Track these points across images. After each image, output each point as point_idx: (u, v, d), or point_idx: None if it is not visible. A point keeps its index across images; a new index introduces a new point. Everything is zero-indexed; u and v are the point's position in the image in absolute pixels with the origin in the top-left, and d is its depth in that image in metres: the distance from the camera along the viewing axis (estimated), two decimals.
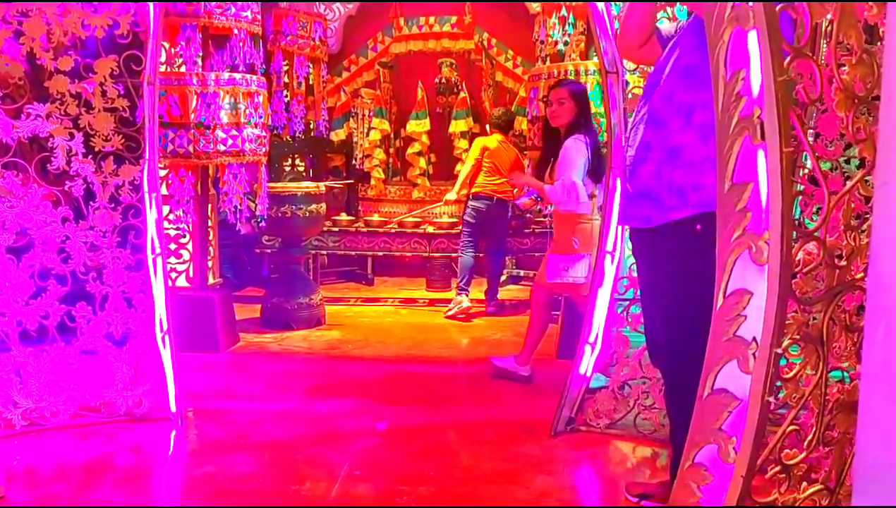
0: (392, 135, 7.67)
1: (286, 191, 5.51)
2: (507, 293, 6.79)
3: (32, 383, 3.31)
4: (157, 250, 3.41)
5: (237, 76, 4.66)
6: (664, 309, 2.47)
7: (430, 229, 6.75)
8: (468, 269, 6.00)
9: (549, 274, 4.02)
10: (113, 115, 3.25)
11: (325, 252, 7.02)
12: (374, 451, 3.28)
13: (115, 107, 3.24)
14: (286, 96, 6.33)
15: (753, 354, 1.56)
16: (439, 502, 2.79)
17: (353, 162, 7.61)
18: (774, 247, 1.50)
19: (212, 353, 4.70)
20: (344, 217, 7.07)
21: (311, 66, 6.17)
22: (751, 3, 1.51)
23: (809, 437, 1.73)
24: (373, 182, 7.51)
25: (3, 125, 3.13)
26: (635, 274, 3.10)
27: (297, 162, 6.81)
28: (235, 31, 4.70)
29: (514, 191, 5.74)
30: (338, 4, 7.54)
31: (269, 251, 6.63)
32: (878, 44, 1.82)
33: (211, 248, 5.26)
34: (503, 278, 6.78)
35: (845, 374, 1.85)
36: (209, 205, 5.18)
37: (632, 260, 3.02)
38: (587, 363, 3.36)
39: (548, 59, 5.12)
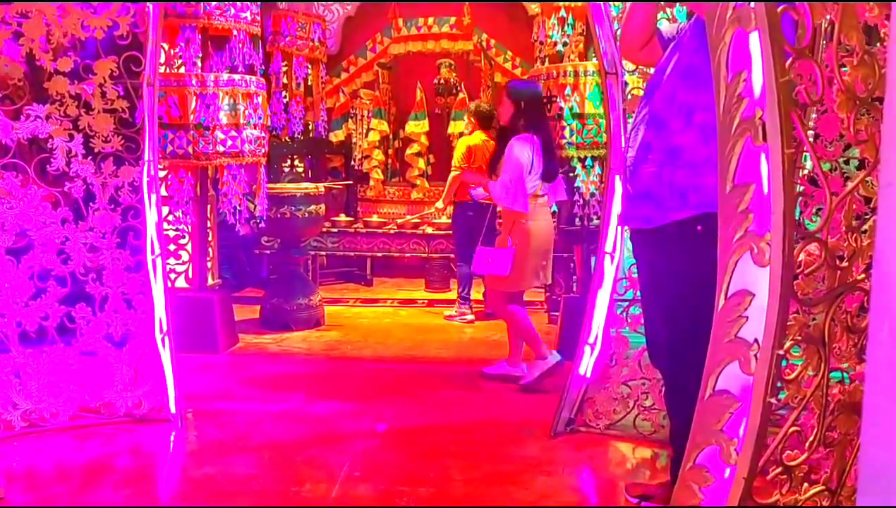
0: (391, 136, 7.67)
1: (285, 192, 5.50)
2: None
3: (32, 384, 3.30)
4: (157, 251, 3.41)
5: (236, 77, 4.66)
6: (664, 309, 2.47)
7: (429, 230, 6.75)
8: (467, 278, 5.97)
9: (475, 264, 4.20)
10: (112, 116, 3.24)
11: (324, 253, 7.02)
12: (374, 452, 3.28)
13: (115, 109, 3.24)
14: (285, 97, 6.33)
15: (755, 355, 1.56)
16: (439, 503, 2.79)
17: (352, 163, 7.61)
18: (776, 248, 1.51)
19: (211, 354, 4.70)
20: (343, 218, 7.07)
21: (309, 66, 6.17)
22: (752, 4, 1.51)
23: (811, 438, 1.73)
24: (372, 183, 7.51)
25: (2, 126, 3.13)
26: (635, 275, 3.10)
27: (296, 163, 6.79)
28: (235, 33, 4.70)
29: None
30: (337, 5, 7.53)
31: (268, 252, 6.63)
32: (878, 44, 1.82)
33: (210, 249, 5.25)
34: None
35: (845, 375, 1.85)
36: (208, 206, 5.18)
37: (631, 260, 3.02)
38: (587, 364, 3.36)
39: (546, 59, 5.12)
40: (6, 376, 3.25)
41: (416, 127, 7.41)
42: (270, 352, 4.96)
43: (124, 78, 3.25)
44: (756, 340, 1.57)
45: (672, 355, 2.45)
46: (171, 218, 4.84)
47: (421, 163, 7.49)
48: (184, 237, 5.06)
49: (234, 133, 4.58)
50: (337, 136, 7.57)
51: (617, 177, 3.18)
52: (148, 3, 3.21)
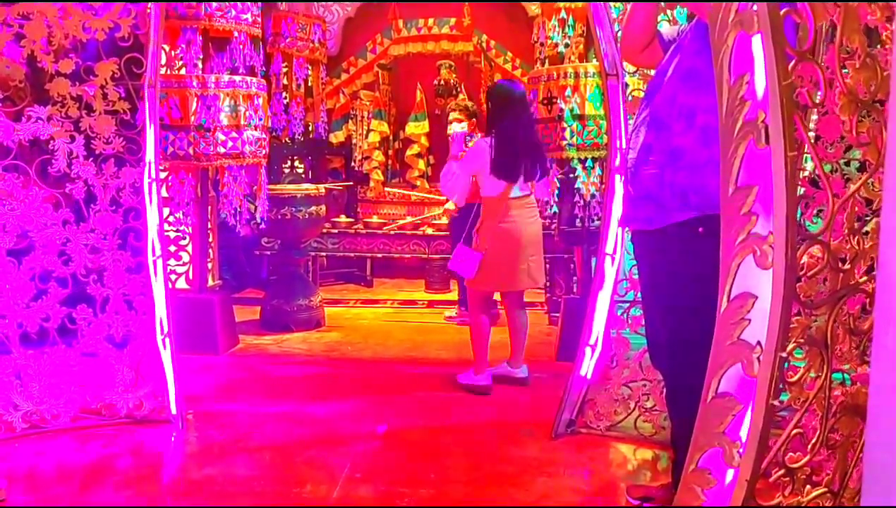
0: (391, 137, 7.67)
1: (286, 193, 5.50)
2: None
3: (33, 385, 3.30)
4: (158, 252, 3.41)
5: (237, 78, 4.66)
6: (665, 310, 2.48)
7: (430, 231, 6.75)
8: None
9: (451, 260, 4.20)
10: (114, 118, 3.24)
11: (324, 254, 7.02)
12: (375, 453, 3.28)
13: (116, 110, 3.24)
14: (285, 98, 6.34)
15: (758, 358, 1.57)
16: (440, 503, 2.79)
17: (353, 164, 7.61)
18: (779, 250, 1.51)
19: (211, 355, 4.70)
20: (343, 219, 7.07)
21: (310, 68, 6.18)
22: (755, 7, 1.51)
23: (813, 440, 1.74)
24: (372, 184, 7.51)
25: (3, 128, 3.13)
26: (636, 277, 3.10)
27: (297, 164, 6.80)
28: (235, 34, 4.70)
29: None
30: (336, 6, 7.54)
31: (268, 253, 6.63)
32: (878, 46, 1.83)
33: (210, 250, 5.26)
34: None
35: (846, 376, 1.86)
36: (209, 208, 5.18)
37: (632, 262, 3.03)
38: (588, 365, 3.36)
39: (547, 61, 5.12)
40: (7, 377, 3.26)
41: (416, 128, 7.41)
42: (271, 353, 4.96)
43: (125, 79, 3.25)
44: (759, 342, 1.57)
45: (673, 356, 2.46)
46: (171, 219, 4.85)
47: (421, 164, 7.49)
48: (184, 238, 5.06)
49: (234, 134, 4.58)
50: (337, 137, 7.56)
51: (617, 178, 3.19)
52: (149, 5, 3.21)
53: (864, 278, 1.75)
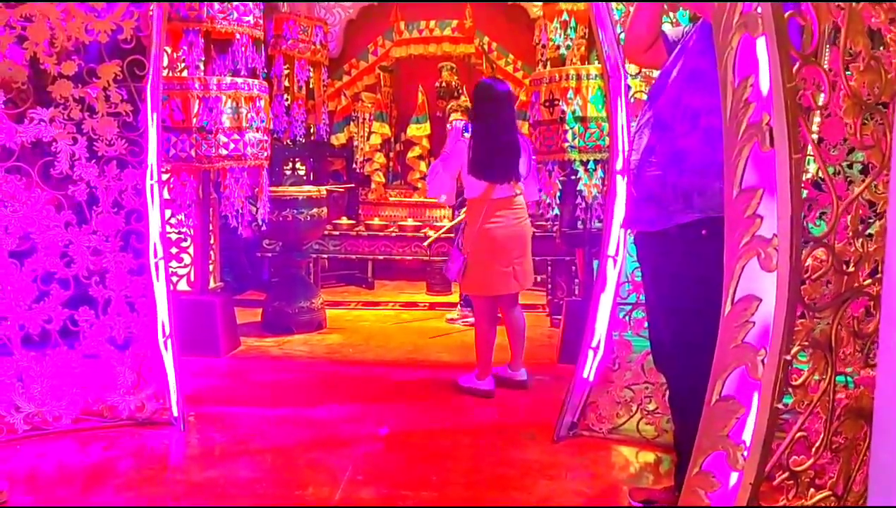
0: (392, 139, 7.67)
1: (287, 195, 5.51)
2: None
3: (35, 387, 3.30)
4: (160, 254, 3.41)
5: (239, 80, 4.66)
6: (668, 313, 2.47)
7: (431, 233, 6.73)
8: None
9: (447, 264, 4.19)
10: (116, 120, 3.24)
11: (325, 255, 7.01)
12: (377, 455, 3.28)
13: (119, 112, 3.24)
14: (287, 100, 6.35)
15: (762, 361, 1.56)
16: (441, 506, 2.78)
17: (354, 166, 7.61)
18: (784, 253, 1.50)
19: (212, 357, 4.69)
20: (344, 221, 7.06)
21: (311, 69, 6.20)
22: (759, 9, 1.51)
23: (817, 443, 1.73)
24: (373, 186, 7.51)
25: (6, 130, 3.13)
26: (638, 279, 3.10)
27: (298, 166, 6.81)
28: (237, 36, 4.72)
29: None
30: (338, 8, 7.54)
31: (269, 255, 6.63)
32: (882, 49, 1.83)
33: (212, 252, 5.26)
34: None
35: (849, 379, 1.85)
36: (210, 209, 5.18)
37: (634, 264, 3.02)
38: (590, 367, 3.36)
39: (548, 62, 5.13)
40: (9, 379, 3.26)
41: (418, 130, 7.41)
42: (272, 355, 4.96)
43: (128, 81, 3.25)
44: (763, 345, 1.57)
45: (676, 359, 2.45)
46: (173, 221, 4.85)
47: (422, 166, 7.47)
48: (186, 240, 5.06)
49: (236, 136, 4.58)
50: (338, 139, 7.57)
51: (619, 180, 3.18)
52: (151, 7, 3.22)
53: (868, 281, 1.75)
